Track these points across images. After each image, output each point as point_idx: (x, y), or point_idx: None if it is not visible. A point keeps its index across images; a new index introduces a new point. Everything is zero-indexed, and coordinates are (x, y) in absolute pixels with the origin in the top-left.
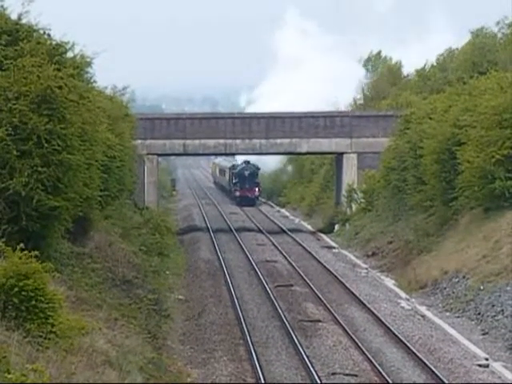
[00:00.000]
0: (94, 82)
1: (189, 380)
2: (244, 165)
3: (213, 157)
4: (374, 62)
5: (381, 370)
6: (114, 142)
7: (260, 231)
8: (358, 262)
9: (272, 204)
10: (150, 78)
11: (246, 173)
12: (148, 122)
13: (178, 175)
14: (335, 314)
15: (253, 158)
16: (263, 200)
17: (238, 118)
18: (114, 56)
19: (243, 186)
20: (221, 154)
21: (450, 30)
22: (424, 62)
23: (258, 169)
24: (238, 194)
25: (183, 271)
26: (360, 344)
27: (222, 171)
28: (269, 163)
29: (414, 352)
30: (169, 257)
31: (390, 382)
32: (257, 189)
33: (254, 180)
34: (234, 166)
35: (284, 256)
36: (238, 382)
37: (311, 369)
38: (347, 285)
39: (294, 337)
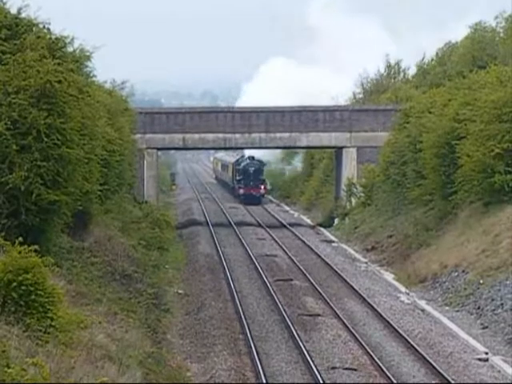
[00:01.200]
0: (94, 76)
1: (188, 374)
2: (248, 160)
3: (212, 151)
4: None
5: (380, 364)
6: (114, 136)
7: (260, 225)
8: (358, 256)
9: (272, 198)
10: (150, 73)
11: (251, 169)
12: (147, 117)
13: (177, 169)
14: (335, 308)
15: (256, 154)
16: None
17: (237, 112)
18: (113, 50)
19: (248, 184)
20: (220, 149)
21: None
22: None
23: (264, 165)
24: (242, 191)
25: (183, 265)
26: (359, 338)
27: (225, 166)
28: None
29: (413, 346)
30: (168, 251)
31: (390, 375)
32: (262, 186)
33: (259, 177)
34: (237, 162)
35: (283, 250)
36: (238, 383)
37: (311, 363)
38: (347, 279)
39: (294, 331)
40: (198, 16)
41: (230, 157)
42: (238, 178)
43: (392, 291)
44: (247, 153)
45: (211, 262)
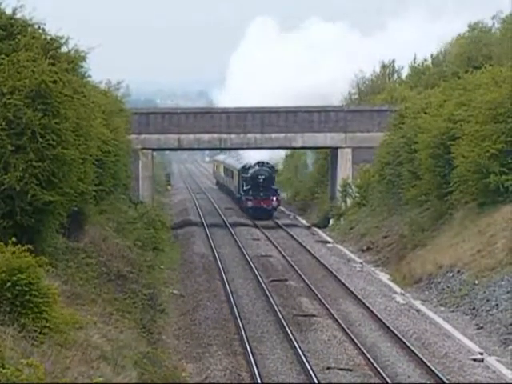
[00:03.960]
0: (89, 76)
1: (183, 374)
2: (258, 167)
3: (207, 151)
4: None
5: (375, 364)
6: (109, 136)
7: (255, 226)
8: (353, 256)
9: None
10: (145, 73)
11: (261, 177)
12: (143, 117)
13: (172, 170)
14: (330, 309)
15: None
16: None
17: (232, 112)
18: (108, 51)
19: (257, 195)
20: (215, 149)
21: None
22: (416, 57)
23: (276, 171)
24: (250, 204)
25: (178, 266)
26: (355, 339)
27: (229, 172)
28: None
29: (408, 347)
30: (163, 251)
31: (385, 375)
32: (274, 198)
33: (270, 186)
34: (244, 168)
35: (279, 251)
36: (234, 383)
37: (306, 363)
38: (342, 279)
39: (289, 331)
40: (194, 18)
41: (234, 160)
42: (245, 187)
43: (387, 291)
44: (249, 155)
45: (206, 263)
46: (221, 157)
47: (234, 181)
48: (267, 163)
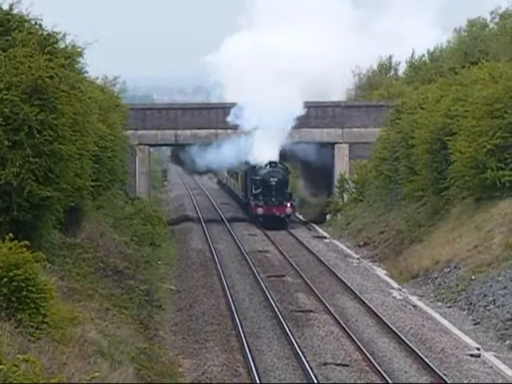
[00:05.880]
0: (86, 72)
1: (180, 370)
2: (269, 168)
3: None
4: None
5: (372, 360)
6: (106, 132)
7: (251, 221)
8: (350, 252)
9: None
10: (142, 69)
11: (273, 180)
12: (139, 113)
13: (169, 166)
14: (327, 304)
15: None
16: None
17: (229, 107)
18: (105, 46)
19: (268, 200)
20: None
21: None
22: (414, 52)
23: (290, 172)
24: (260, 211)
25: (175, 261)
26: (351, 334)
27: (233, 172)
28: None
29: (405, 342)
30: (160, 247)
31: (381, 371)
32: (288, 204)
33: (283, 190)
34: (253, 170)
35: (276, 246)
36: (231, 383)
37: (303, 359)
38: (339, 275)
39: (286, 327)
40: (193, 15)
41: None
42: (254, 191)
43: (384, 287)
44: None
45: (203, 258)
46: None
47: (238, 183)
48: (280, 163)
